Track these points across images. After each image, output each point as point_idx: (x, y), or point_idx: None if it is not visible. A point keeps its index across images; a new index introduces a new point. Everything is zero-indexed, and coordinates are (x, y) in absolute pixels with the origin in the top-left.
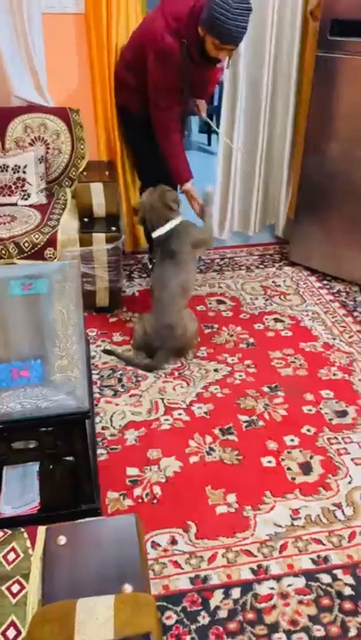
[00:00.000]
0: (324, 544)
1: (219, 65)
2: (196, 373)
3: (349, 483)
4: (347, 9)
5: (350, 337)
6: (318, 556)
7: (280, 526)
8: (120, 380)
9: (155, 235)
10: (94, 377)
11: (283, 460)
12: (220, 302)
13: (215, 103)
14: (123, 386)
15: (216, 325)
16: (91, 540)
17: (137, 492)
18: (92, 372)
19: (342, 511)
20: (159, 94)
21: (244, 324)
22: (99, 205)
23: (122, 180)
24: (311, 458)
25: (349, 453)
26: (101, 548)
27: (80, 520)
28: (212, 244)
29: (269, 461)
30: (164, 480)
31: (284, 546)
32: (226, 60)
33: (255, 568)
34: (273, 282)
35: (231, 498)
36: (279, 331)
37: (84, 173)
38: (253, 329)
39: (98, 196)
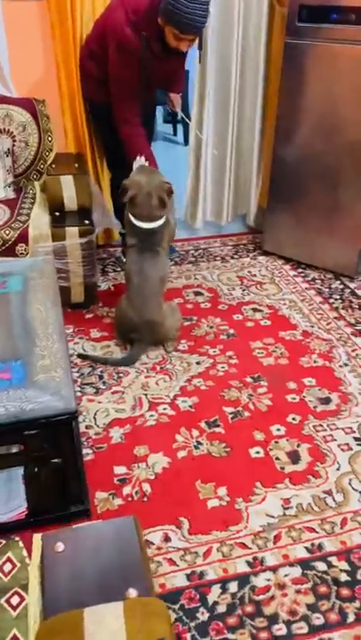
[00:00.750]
0: (317, 532)
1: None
2: (178, 367)
3: (338, 469)
4: None
5: (328, 324)
6: (312, 544)
7: (272, 517)
8: (101, 378)
9: (140, 225)
10: (74, 375)
11: (271, 449)
12: (197, 294)
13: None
14: (104, 383)
15: (195, 317)
16: (89, 546)
17: (126, 490)
18: (72, 369)
19: (333, 498)
20: (119, 85)
21: (223, 314)
22: (70, 198)
23: (92, 171)
24: (298, 446)
25: (336, 440)
26: (101, 553)
27: (76, 525)
28: None
29: (257, 452)
30: (153, 477)
31: (277, 536)
32: (197, 55)
33: (251, 560)
34: (248, 272)
35: (222, 491)
36: (258, 320)
37: (53, 166)
38: (233, 319)
39: (68, 189)
